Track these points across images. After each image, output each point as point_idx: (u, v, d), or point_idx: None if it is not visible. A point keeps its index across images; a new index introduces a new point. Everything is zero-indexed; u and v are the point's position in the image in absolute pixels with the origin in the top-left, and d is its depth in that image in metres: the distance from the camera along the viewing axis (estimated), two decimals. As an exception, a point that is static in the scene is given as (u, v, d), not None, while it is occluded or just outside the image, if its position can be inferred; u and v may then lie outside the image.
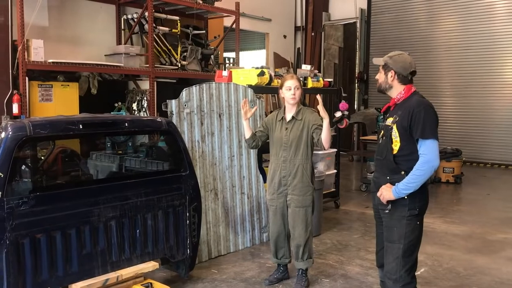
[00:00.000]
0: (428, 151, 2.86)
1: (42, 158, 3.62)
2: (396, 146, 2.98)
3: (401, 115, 2.97)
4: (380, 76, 3.12)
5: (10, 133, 3.05)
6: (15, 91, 6.43)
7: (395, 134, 2.98)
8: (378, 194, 3.06)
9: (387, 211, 3.05)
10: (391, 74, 3.05)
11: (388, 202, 3.01)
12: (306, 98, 10.94)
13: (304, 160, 4.02)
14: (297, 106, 4.07)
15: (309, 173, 4.05)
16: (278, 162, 4.06)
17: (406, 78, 3.05)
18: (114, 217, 3.55)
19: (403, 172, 2.96)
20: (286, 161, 4.02)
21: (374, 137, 9.06)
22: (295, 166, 4.00)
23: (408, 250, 3.01)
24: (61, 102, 6.95)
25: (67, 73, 7.25)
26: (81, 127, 3.37)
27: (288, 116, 4.07)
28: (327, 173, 6.48)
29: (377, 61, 3.15)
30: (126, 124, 3.71)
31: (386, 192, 2.99)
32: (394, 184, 2.97)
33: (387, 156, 3.02)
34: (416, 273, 3.14)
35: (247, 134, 4.19)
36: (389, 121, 3.07)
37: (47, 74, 6.99)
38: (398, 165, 2.98)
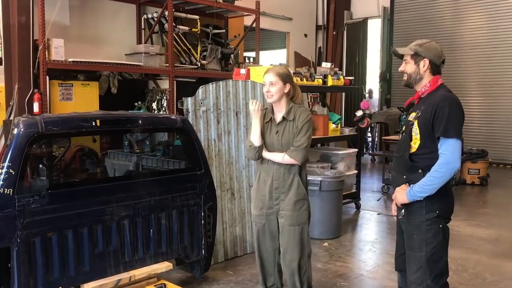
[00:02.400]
0: (449, 151, 2.62)
1: (54, 154, 3.60)
2: (415, 143, 2.76)
3: (424, 110, 2.73)
4: (409, 67, 2.84)
5: (22, 129, 3.02)
6: (36, 90, 6.47)
7: (415, 130, 2.75)
8: (393, 196, 2.86)
9: (401, 216, 2.84)
10: (423, 63, 2.79)
11: (403, 205, 2.80)
12: (327, 96, 10.82)
13: (300, 169, 3.35)
14: (287, 104, 3.37)
15: (305, 183, 3.41)
16: (270, 171, 3.35)
17: (438, 67, 2.82)
18: (128, 216, 3.51)
19: (420, 171, 2.73)
20: (280, 170, 3.33)
21: (397, 137, 8.85)
22: (290, 175, 3.33)
23: (432, 257, 2.75)
24: (81, 101, 6.98)
25: (87, 72, 7.28)
26: (94, 124, 3.33)
27: (278, 117, 3.39)
28: (347, 173, 6.33)
29: (403, 50, 2.85)
30: (140, 122, 3.66)
31: (400, 195, 2.77)
32: (410, 185, 2.75)
33: (405, 153, 2.80)
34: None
35: (259, 141, 3.36)
36: (412, 116, 2.84)
37: (68, 73, 7.03)
38: (414, 163, 2.76)
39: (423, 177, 2.71)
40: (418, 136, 2.75)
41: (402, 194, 2.76)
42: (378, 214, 6.72)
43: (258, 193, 3.44)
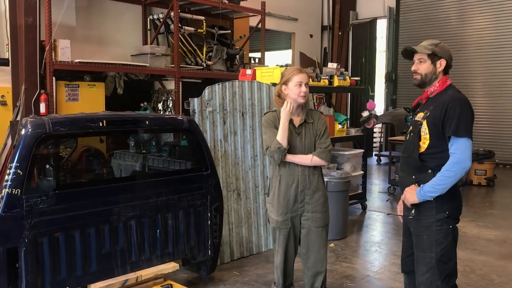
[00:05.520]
0: (460, 151, 2.61)
1: (61, 155, 3.61)
2: (424, 143, 2.74)
3: (433, 110, 2.72)
4: (424, 67, 2.79)
5: (30, 130, 3.03)
6: (42, 91, 6.50)
7: (424, 130, 2.73)
8: (402, 197, 2.83)
9: (411, 217, 2.81)
10: (440, 63, 2.77)
11: (412, 206, 2.78)
12: (333, 97, 10.80)
13: (320, 170, 3.39)
14: (304, 107, 3.35)
15: (325, 184, 3.45)
16: (294, 174, 3.28)
17: (450, 67, 2.81)
18: (134, 216, 3.50)
19: (430, 171, 2.71)
20: (305, 172, 3.28)
21: (403, 138, 8.81)
22: (315, 176, 3.31)
23: (442, 258, 2.73)
24: (88, 102, 7.01)
25: (94, 73, 7.31)
26: (101, 124, 3.33)
27: (297, 119, 3.32)
28: (353, 174, 6.32)
29: (421, 49, 2.79)
30: (147, 122, 3.66)
31: (410, 195, 2.75)
32: (420, 185, 2.73)
33: (413, 153, 2.78)
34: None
35: (287, 143, 3.22)
36: (420, 116, 2.82)
37: (74, 74, 7.06)
38: (424, 163, 2.74)
39: (433, 177, 2.69)
40: (428, 136, 2.73)
41: (412, 194, 2.74)
42: (388, 214, 6.69)
43: (281, 198, 3.32)
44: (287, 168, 3.30)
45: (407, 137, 2.91)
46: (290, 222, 3.34)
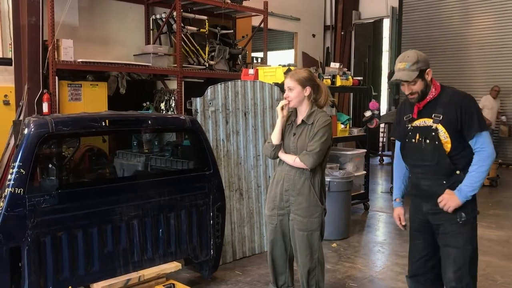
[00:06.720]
0: (487, 144, 2.70)
1: (64, 154, 3.61)
2: (447, 147, 2.75)
3: (444, 113, 2.74)
4: (418, 86, 2.79)
5: (32, 129, 3.03)
6: (45, 91, 6.50)
7: (443, 134, 2.74)
8: (441, 205, 2.78)
9: (462, 221, 2.77)
10: (427, 74, 2.79)
11: (456, 210, 2.76)
12: (335, 96, 10.78)
13: (313, 174, 3.29)
14: (310, 107, 3.31)
15: (317, 189, 3.31)
16: (282, 173, 3.35)
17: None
18: (137, 216, 3.51)
19: (458, 171, 2.75)
20: (291, 172, 3.30)
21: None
22: (301, 179, 3.27)
23: (473, 255, 2.81)
24: (90, 102, 7.01)
25: (96, 73, 7.31)
26: (103, 124, 3.33)
27: (299, 120, 3.35)
28: (356, 174, 6.31)
29: (409, 76, 2.76)
30: (149, 122, 3.66)
31: (452, 201, 2.74)
32: (453, 189, 2.75)
33: (441, 159, 2.76)
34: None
35: (277, 140, 3.35)
36: (427, 121, 2.81)
37: (77, 73, 7.06)
38: (455, 166, 2.76)
39: (463, 177, 2.74)
40: (448, 140, 2.75)
41: (454, 199, 2.75)
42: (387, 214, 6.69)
43: (271, 193, 3.43)
44: (280, 166, 3.43)
45: (422, 146, 2.82)
46: (277, 219, 3.40)
